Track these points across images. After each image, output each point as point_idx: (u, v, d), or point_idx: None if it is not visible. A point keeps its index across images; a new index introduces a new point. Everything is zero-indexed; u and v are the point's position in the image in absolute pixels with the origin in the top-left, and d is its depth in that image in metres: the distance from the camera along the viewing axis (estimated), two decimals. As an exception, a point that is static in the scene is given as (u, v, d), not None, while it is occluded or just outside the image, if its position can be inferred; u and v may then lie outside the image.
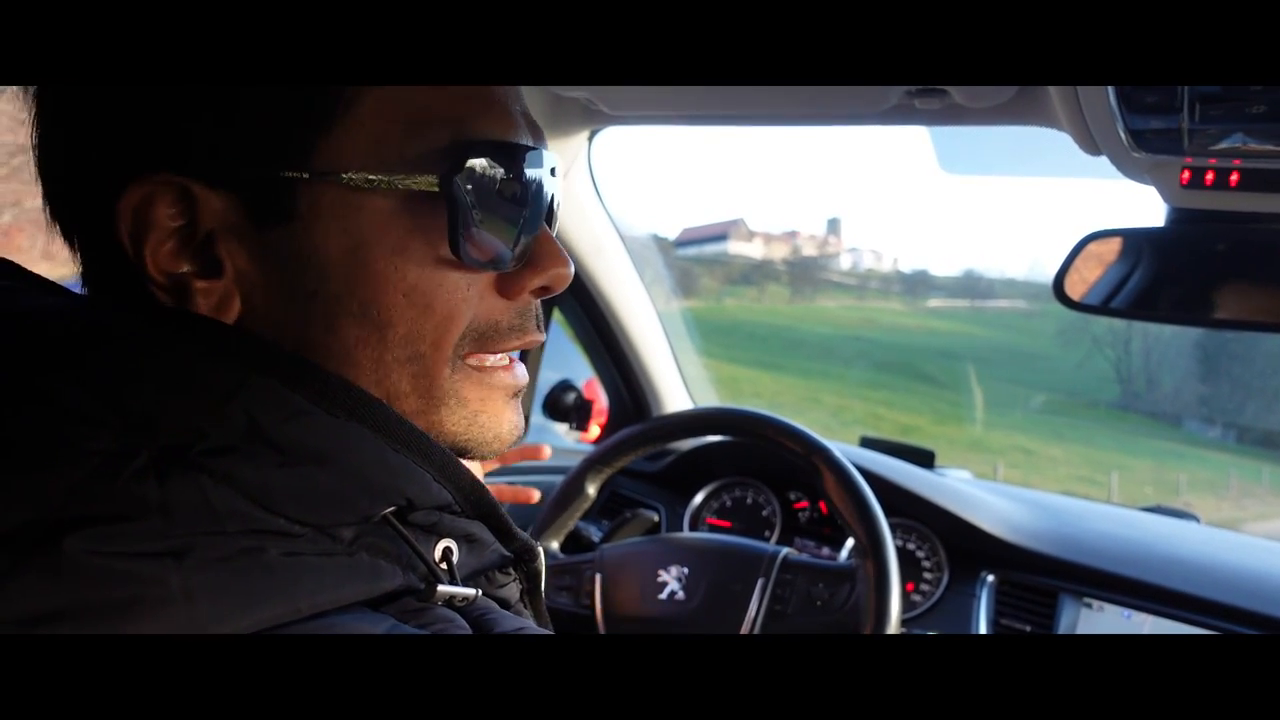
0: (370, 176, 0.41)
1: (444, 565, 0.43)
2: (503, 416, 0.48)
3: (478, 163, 0.43)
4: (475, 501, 0.45)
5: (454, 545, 0.44)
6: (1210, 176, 0.78)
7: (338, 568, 0.38)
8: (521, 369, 0.50)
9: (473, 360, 0.46)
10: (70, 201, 0.44)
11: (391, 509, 0.41)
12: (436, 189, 0.42)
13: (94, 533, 0.32)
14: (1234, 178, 0.77)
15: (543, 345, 1.46)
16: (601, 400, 1.56)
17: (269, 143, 0.40)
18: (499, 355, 0.48)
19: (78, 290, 0.45)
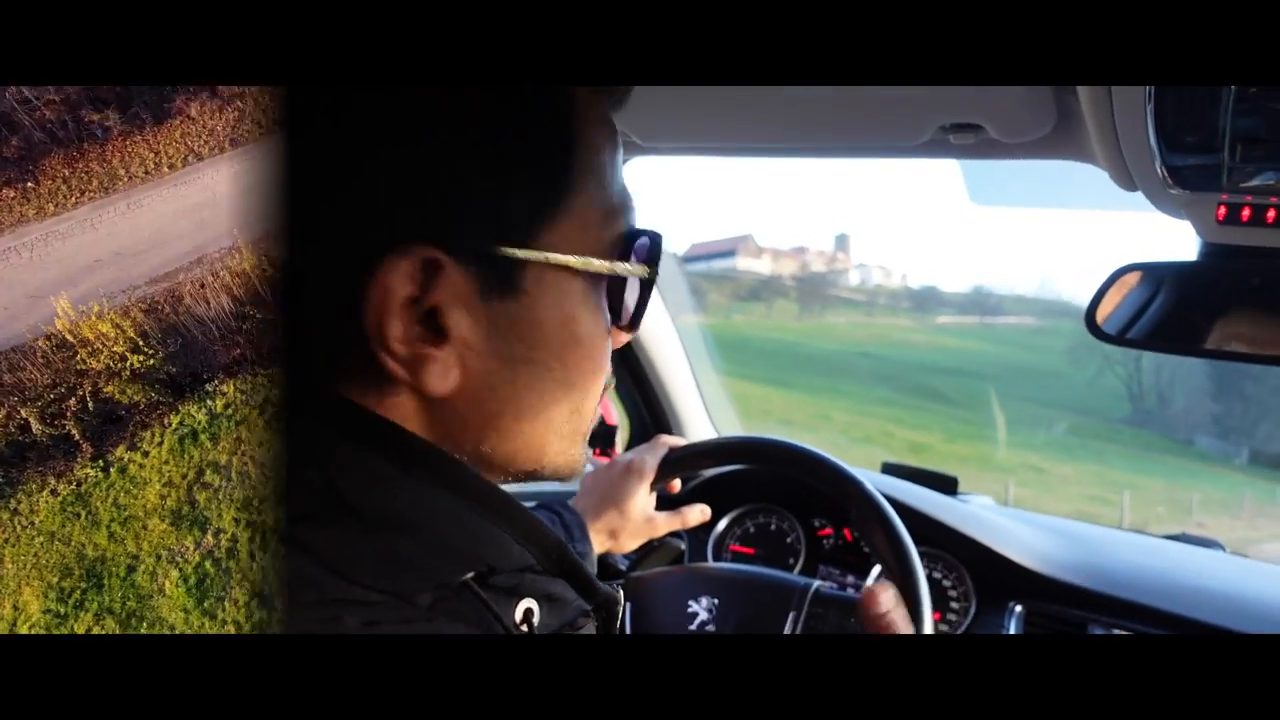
0: (593, 261, 0.45)
1: (524, 627, 0.43)
2: None
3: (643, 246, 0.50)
4: (558, 560, 0.45)
5: (535, 606, 0.44)
6: (1247, 213, 0.78)
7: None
8: None
9: None
10: (313, 274, 0.41)
11: (471, 574, 0.41)
12: (646, 275, 0.48)
13: None
14: (1270, 214, 0.77)
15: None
16: (612, 417, 1.56)
17: (511, 224, 0.42)
18: None
19: None
